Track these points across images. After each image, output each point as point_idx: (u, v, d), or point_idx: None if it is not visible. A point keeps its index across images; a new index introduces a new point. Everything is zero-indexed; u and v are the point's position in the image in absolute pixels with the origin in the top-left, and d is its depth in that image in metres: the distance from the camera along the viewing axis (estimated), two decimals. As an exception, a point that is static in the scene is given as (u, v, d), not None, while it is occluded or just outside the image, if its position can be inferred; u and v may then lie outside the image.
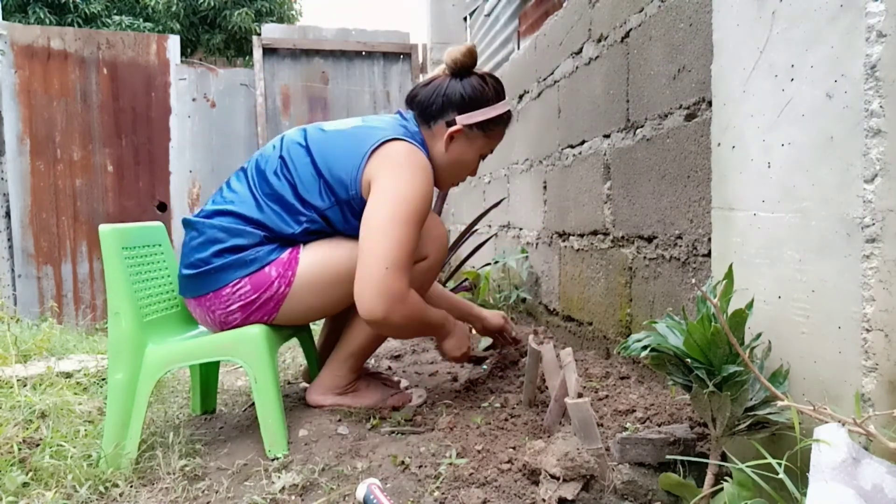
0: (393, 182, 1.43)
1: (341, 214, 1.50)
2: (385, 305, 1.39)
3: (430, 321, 1.56)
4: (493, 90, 1.58)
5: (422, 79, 1.67)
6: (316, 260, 1.49)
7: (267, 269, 1.46)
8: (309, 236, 1.51)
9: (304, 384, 1.91)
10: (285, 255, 1.48)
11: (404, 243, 1.41)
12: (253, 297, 1.46)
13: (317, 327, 2.87)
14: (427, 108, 1.58)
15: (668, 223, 1.62)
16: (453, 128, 1.55)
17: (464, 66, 1.56)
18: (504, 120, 1.62)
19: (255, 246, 1.47)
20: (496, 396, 1.68)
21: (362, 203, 1.46)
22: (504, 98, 1.62)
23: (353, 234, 1.49)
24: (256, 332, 1.43)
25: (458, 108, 1.55)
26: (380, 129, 1.51)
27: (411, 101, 1.61)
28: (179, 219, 5.41)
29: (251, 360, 1.41)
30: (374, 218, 1.42)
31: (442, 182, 1.66)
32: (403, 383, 1.83)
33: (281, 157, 1.52)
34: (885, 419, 0.78)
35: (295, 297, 1.48)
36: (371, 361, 2.20)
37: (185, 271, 1.51)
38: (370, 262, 1.39)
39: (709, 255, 1.43)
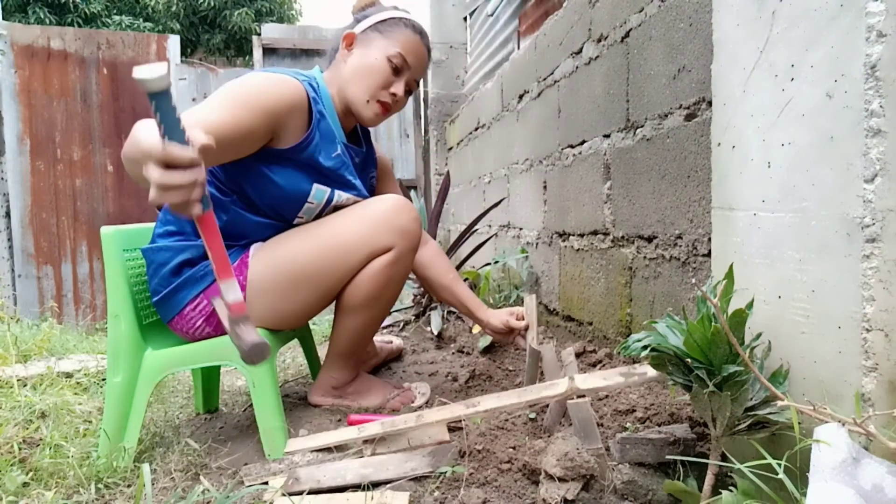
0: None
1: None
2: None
3: None
4: (385, 4, 1.63)
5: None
6: (266, 259, 1.46)
7: None
8: (240, 210, 1.46)
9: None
10: (235, 262, 1.45)
11: (212, 108, 1.27)
12: (212, 308, 1.43)
13: (318, 327, 2.87)
14: (331, 47, 1.64)
15: (668, 223, 1.62)
16: (346, 32, 1.56)
17: (364, 7, 1.63)
18: (405, 24, 1.57)
19: (203, 259, 1.44)
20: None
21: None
22: (404, 12, 1.62)
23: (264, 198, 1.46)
24: (255, 334, 1.43)
25: (350, 27, 1.59)
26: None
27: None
28: (179, 219, 5.41)
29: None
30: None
31: (358, 102, 1.54)
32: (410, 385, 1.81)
33: None
34: (885, 419, 0.78)
35: (255, 300, 1.44)
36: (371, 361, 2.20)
37: (153, 299, 1.49)
38: None
39: (709, 255, 1.43)
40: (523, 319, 1.79)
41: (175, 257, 1.45)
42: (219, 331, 1.46)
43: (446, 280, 1.82)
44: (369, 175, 1.74)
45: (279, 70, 1.45)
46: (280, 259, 1.46)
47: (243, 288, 1.43)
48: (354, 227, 1.47)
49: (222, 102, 1.29)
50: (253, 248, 1.49)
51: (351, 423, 1.46)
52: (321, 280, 1.47)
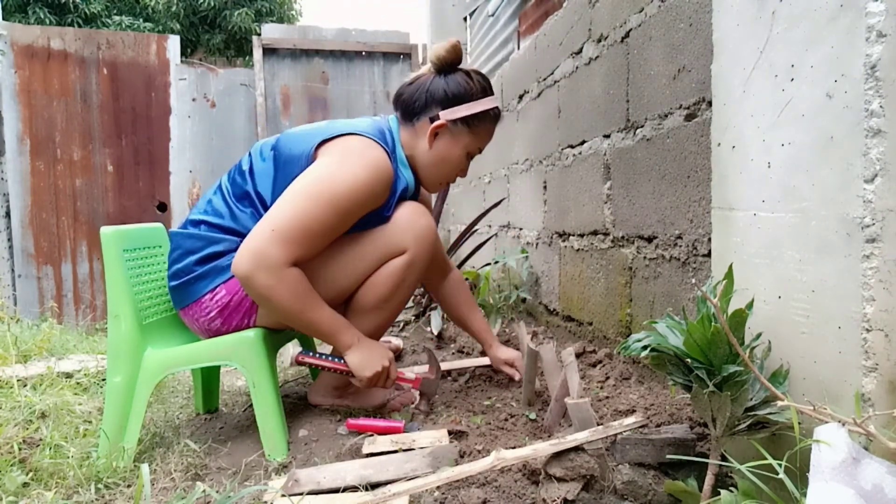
0: (323, 164, 1.41)
1: None
2: (250, 265, 1.31)
3: (314, 316, 1.41)
4: (478, 86, 1.55)
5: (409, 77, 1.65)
6: None
7: None
8: None
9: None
10: None
11: (304, 217, 1.35)
12: (228, 300, 1.45)
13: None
14: (410, 106, 1.55)
15: (668, 223, 1.62)
16: (437, 122, 1.52)
17: (448, 63, 1.53)
18: (490, 116, 1.57)
19: (232, 252, 1.45)
20: (496, 396, 1.68)
21: None
22: (490, 94, 1.58)
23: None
24: (254, 335, 1.43)
25: (441, 103, 1.53)
26: (341, 126, 1.48)
27: (397, 100, 1.59)
28: (179, 219, 5.41)
29: (249, 364, 1.41)
30: (287, 189, 1.39)
31: (428, 181, 1.62)
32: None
33: (250, 158, 1.52)
34: (885, 419, 0.78)
35: None
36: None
37: (170, 283, 1.51)
38: (261, 222, 1.35)
39: (709, 255, 1.43)
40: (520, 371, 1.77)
41: (206, 248, 1.46)
42: (227, 326, 1.47)
43: (466, 308, 1.86)
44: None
45: (366, 130, 1.47)
46: None
47: None
48: (373, 229, 1.52)
49: (314, 201, 1.36)
50: None
51: (350, 428, 1.46)
52: (339, 278, 1.50)
